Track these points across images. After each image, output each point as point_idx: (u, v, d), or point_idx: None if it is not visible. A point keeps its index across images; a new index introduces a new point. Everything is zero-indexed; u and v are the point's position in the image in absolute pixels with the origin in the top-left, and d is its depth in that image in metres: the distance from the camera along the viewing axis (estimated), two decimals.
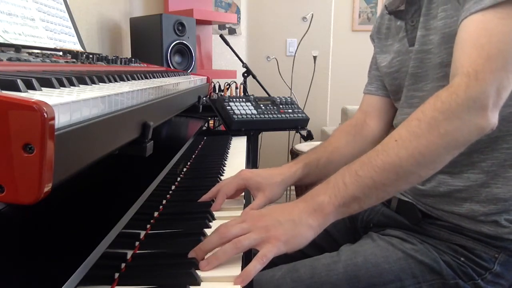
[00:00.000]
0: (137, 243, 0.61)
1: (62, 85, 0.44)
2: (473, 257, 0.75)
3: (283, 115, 1.49)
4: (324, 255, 0.81)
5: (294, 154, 2.33)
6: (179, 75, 1.17)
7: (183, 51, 1.89)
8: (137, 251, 0.59)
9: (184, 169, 1.04)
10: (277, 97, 1.56)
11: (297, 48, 2.98)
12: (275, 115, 1.47)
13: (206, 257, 0.57)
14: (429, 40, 0.79)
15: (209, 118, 1.68)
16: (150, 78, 0.83)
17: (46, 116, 0.29)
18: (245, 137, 1.46)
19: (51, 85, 0.42)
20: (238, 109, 1.41)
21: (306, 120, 1.54)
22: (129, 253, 0.58)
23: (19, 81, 0.36)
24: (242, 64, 1.99)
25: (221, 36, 1.97)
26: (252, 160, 1.32)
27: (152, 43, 1.80)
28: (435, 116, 0.61)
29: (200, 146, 1.34)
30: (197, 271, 0.54)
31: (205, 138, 1.48)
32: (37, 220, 0.51)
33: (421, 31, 0.81)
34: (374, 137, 0.96)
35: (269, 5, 3.06)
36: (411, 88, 0.84)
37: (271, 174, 0.84)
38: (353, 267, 0.77)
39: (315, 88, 3.02)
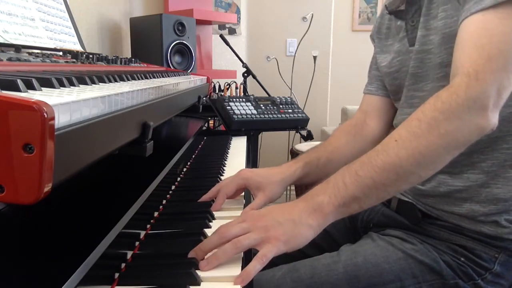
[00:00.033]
0: (137, 243, 0.61)
1: (62, 85, 0.44)
2: (473, 257, 0.75)
3: (283, 115, 1.49)
4: (324, 255, 0.81)
5: (294, 154, 2.33)
6: (179, 75, 1.17)
7: (183, 51, 1.89)
8: (137, 251, 0.59)
9: (184, 169, 1.04)
10: (277, 97, 1.56)
11: (297, 48, 2.98)
12: (275, 115, 1.47)
13: (206, 257, 0.57)
14: (429, 40, 0.79)
15: (209, 118, 1.68)
16: (150, 78, 0.83)
17: (46, 116, 0.29)
18: (245, 137, 1.46)
19: (51, 85, 0.41)
20: (238, 109, 1.41)
21: (306, 120, 1.54)
22: (129, 253, 0.58)
23: (19, 81, 0.36)
24: (242, 64, 1.99)
25: (221, 36, 1.97)
26: (252, 160, 1.32)
27: (152, 43, 1.80)
28: (435, 116, 0.61)
29: (200, 146, 1.34)
30: (197, 271, 0.54)
31: (205, 138, 1.48)
32: (37, 220, 0.51)
33: (421, 31, 0.81)
34: (374, 137, 0.96)
35: (269, 5, 3.06)
36: (411, 88, 0.84)
37: (270, 173, 0.84)
38: (353, 267, 0.77)
39: (315, 88, 3.02)
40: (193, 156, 1.19)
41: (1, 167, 0.30)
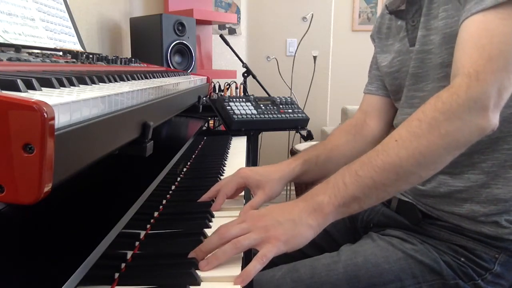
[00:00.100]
0: (137, 243, 0.61)
1: (62, 85, 0.44)
2: (473, 257, 0.75)
3: (283, 115, 1.49)
4: (324, 255, 0.81)
5: (294, 154, 2.33)
6: (179, 75, 1.17)
7: (183, 51, 1.89)
8: (137, 251, 0.59)
9: (184, 169, 1.04)
10: (277, 97, 1.56)
11: (297, 48, 2.98)
12: (275, 115, 1.47)
13: (206, 257, 0.57)
14: (429, 40, 0.79)
15: (209, 118, 1.68)
16: (150, 78, 0.83)
17: (46, 116, 0.29)
18: (245, 137, 1.46)
19: (51, 85, 0.41)
20: (238, 109, 1.41)
21: (306, 120, 1.54)
22: (129, 253, 0.57)
23: (19, 81, 0.36)
24: (242, 64, 1.99)
25: (221, 36, 1.97)
26: (252, 160, 1.32)
27: (152, 43, 1.80)
28: (435, 116, 0.61)
29: (200, 146, 1.34)
30: (197, 271, 0.54)
31: (205, 138, 1.48)
32: (37, 220, 0.51)
33: (421, 31, 0.81)
34: (374, 137, 0.96)
35: (269, 5, 3.06)
36: (412, 88, 0.84)
37: (269, 171, 0.84)
38: (353, 267, 0.77)
39: (315, 88, 3.01)
40: (193, 156, 1.19)
41: (1, 167, 0.30)
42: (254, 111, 1.44)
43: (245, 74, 1.99)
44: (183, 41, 1.85)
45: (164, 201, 0.80)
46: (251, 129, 1.44)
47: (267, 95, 1.86)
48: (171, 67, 1.80)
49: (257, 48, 3.10)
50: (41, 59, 0.67)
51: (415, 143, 0.61)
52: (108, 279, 0.50)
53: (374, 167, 0.62)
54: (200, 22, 2.16)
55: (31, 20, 0.89)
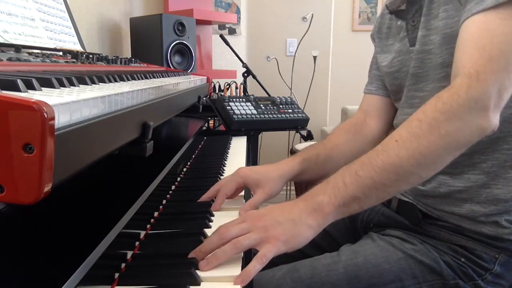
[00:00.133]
0: (137, 243, 0.61)
1: (62, 85, 0.44)
2: (473, 257, 0.75)
3: (283, 115, 1.49)
4: (324, 255, 0.81)
5: (294, 154, 2.32)
6: (179, 75, 1.17)
7: (183, 51, 1.89)
8: (137, 251, 0.59)
9: (184, 169, 1.04)
10: (277, 97, 1.56)
11: (297, 48, 2.98)
12: (275, 115, 1.47)
13: (206, 257, 0.57)
14: (430, 40, 0.79)
15: (209, 118, 1.68)
16: (150, 78, 0.83)
17: (46, 116, 0.29)
18: (245, 137, 1.46)
19: (51, 85, 0.41)
20: (238, 109, 1.41)
21: (306, 120, 1.54)
22: (129, 253, 0.57)
23: (19, 81, 0.36)
24: (242, 64, 1.99)
25: (221, 36, 1.97)
26: (252, 160, 1.32)
27: (152, 43, 1.80)
28: (436, 116, 0.61)
29: (200, 146, 1.34)
30: (197, 271, 0.54)
31: (205, 138, 1.48)
32: (37, 220, 0.51)
33: (422, 31, 0.81)
34: (374, 137, 0.96)
35: (269, 5, 3.06)
36: (412, 88, 0.84)
37: (268, 170, 0.84)
38: (353, 267, 0.77)
39: (315, 88, 3.01)
40: (193, 156, 1.19)
41: (1, 167, 0.30)
42: (254, 111, 1.44)
43: (245, 74, 1.99)
44: (183, 41, 1.85)
45: (164, 201, 0.80)
46: (251, 129, 1.44)
47: (267, 95, 1.86)
48: (171, 67, 1.80)
49: (257, 48, 3.10)
50: (41, 59, 0.67)
51: (415, 144, 0.61)
52: (108, 279, 0.50)
53: (374, 167, 0.62)
54: (200, 22, 2.16)
55: (31, 20, 0.89)
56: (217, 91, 2.09)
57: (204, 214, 0.72)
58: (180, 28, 1.84)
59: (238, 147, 1.34)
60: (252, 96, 1.52)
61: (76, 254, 0.42)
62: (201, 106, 1.21)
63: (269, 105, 1.51)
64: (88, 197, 0.60)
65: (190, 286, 0.51)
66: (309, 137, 1.75)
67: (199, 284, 0.52)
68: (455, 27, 0.72)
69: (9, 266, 0.40)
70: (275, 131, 1.82)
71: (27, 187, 0.30)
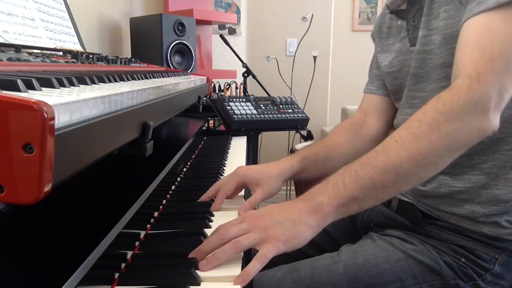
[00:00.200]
0: (137, 243, 0.61)
1: (62, 85, 0.43)
2: (473, 257, 0.75)
3: (283, 115, 1.48)
4: (324, 255, 0.81)
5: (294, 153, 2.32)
6: (179, 75, 1.17)
7: (183, 51, 1.89)
8: (137, 251, 0.59)
9: (184, 169, 1.04)
10: (277, 97, 1.56)
11: (297, 48, 2.98)
12: (275, 115, 1.47)
13: (206, 257, 0.57)
14: (430, 41, 0.79)
15: (209, 118, 1.68)
16: (150, 78, 0.83)
17: (46, 116, 0.29)
18: (245, 137, 1.46)
19: (51, 85, 0.41)
20: (238, 109, 1.41)
21: (306, 120, 1.54)
22: (129, 253, 0.57)
23: (19, 81, 0.36)
24: (242, 64, 1.99)
25: (221, 36, 1.97)
26: (252, 160, 1.32)
27: (152, 43, 1.80)
28: (436, 117, 0.61)
29: (200, 146, 1.34)
30: (197, 271, 0.54)
31: (205, 138, 1.48)
32: (37, 220, 0.51)
33: (422, 31, 0.81)
34: (374, 136, 0.96)
35: (269, 5, 3.06)
36: (412, 89, 0.84)
37: (268, 169, 0.84)
38: (354, 267, 0.77)
39: (315, 88, 3.01)
40: (193, 156, 1.19)
41: (1, 167, 0.30)
42: (254, 111, 1.44)
43: (245, 74, 1.99)
44: (183, 41, 1.85)
45: (164, 201, 0.80)
46: (251, 129, 1.44)
47: (267, 95, 1.86)
48: (171, 67, 1.80)
49: (257, 48, 3.10)
50: (41, 59, 0.67)
51: (415, 144, 0.61)
52: (108, 279, 0.50)
53: (374, 168, 0.62)
54: (200, 22, 2.16)
55: (31, 20, 0.88)
56: (217, 91, 2.09)
57: (204, 214, 0.72)
58: (180, 28, 1.84)
59: (238, 147, 1.34)
60: (252, 96, 1.52)
61: (76, 254, 0.42)
62: (201, 106, 1.21)
63: (269, 105, 1.51)
64: (88, 197, 0.60)
65: (190, 286, 0.51)
66: (309, 137, 1.75)
67: (199, 284, 0.52)
68: (456, 27, 0.72)
69: (9, 266, 0.40)
70: (275, 131, 1.81)
71: (27, 187, 0.30)
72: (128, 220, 0.54)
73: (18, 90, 0.35)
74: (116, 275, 0.52)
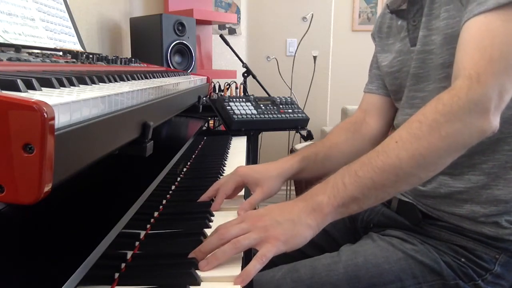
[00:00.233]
0: (137, 243, 0.61)
1: (62, 85, 0.43)
2: (473, 258, 0.75)
3: (283, 115, 1.48)
4: (324, 255, 0.81)
5: (293, 153, 2.32)
6: (179, 75, 1.17)
7: (183, 51, 1.89)
8: (137, 251, 0.59)
9: (184, 169, 1.04)
10: (277, 97, 1.56)
11: (297, 48, 2.98)
12: (275, 115, 1.47)
13: (206, 257, 0.57)
14: (431, 41, 0.79)
15: (209, 118, 1.68)
16: (150, 78, 0.83)
17: (46, 116, 0.29)
18: (245, 137, 1.46)
19: (51, 85, 0.41)
20: (238, 109, 1.41)
21: (306, 120, 1.54)
22: (129, 253, 0.57)
23: (19, 81, 0.36)
24: (242, 64, 1.99)
25: (221, 36, 1.97)
26: (252, 160, 1.32)
27: (152, 43, 1.80)
28: (436, 118, 0.61)
29: (200, 146, 1.34)
30: (197, 271, 0.54)
31: (205, 138, 1.48)
32: (37, 220, 0.51)
33: (423, 31, 0.81)
34: (373, 136, 0.96)
35: (269, 5, 3.06)
36: (413, 89, 0.84)
37: (267, 169, 0.84)
38: (354, 267, 0.77)
39: (315, 88, 3.01)
40: (193, 156, 1.19)
41: (1, 167, 0.30)
42: (254, 111, 1.44)
43: (245, 74, 1.99)
44: (183, 41, 1.85)
45: (164, 201, 0.80)
46: (251, 129, 1.44)
47: (267, 95, 1.86)
48: (171, 67, 1.80)
49: (257, 48, 3.10)
50: (41, 59, 0.67)
51: (415, 145, 0.61)
52: (108, 279, 0.50)
53: (374, 168, 0.62)
54: (200, 22, 2.16)
55: (31, 20, 0.88)
56: (217, 91, 2.09)
57: (204, 214, 0.72)
58: (180, 28, 1.84)
59: (238, 147, 1.34)
60: (252, 96, 1.52)
61: (76, 254, 0.42)
62: (201, 106, 1.21)
63: (269, 105, 1.51)
64: (88, 197, 0.60)
65: (190, 286, 0.51)
66: (309, 137, 1.75)
67: (199, 284, 0.52)
68: (456, 27, 0.72)
69: (9, 266, 0.40)
70: (275, 131, 1.82)
71: (27, 187, 0.30)
72: (128, 220, 0.54)
73: (18, 90, 0.35)
74: (116, 275, 0.52)
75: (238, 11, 2.97)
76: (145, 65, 1.24)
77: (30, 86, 0.37)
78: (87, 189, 0.62)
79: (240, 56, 2.01)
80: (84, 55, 0.85)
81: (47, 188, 0.31)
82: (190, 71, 1.81)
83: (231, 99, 1.46)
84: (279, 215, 0.62)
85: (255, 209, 0.74)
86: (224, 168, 1.07)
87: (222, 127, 1.63)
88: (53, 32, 0.97)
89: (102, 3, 1.72)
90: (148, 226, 0.68)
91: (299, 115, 1.52)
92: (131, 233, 0.59)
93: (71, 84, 0.46)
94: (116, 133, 0.47)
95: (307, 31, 2.90)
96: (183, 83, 0.95)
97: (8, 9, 0.81)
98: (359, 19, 3.47)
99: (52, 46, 0.93)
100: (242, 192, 0.86)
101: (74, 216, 0.53)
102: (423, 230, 0.81)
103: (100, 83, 0.54)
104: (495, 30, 0.63)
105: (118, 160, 0.55)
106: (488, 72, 0.61)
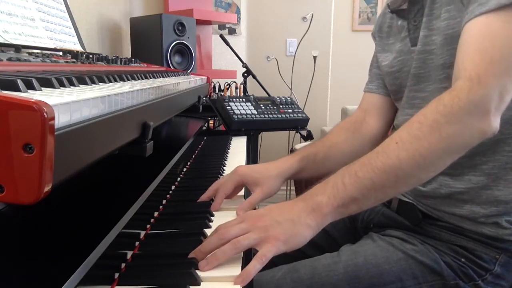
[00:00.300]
0: (137, 243, 0.61)
1: (62, 85, 0.43)
2: (473, 258, 0.75)
3: (283, 115, 1.48)
4: (324, 256, 0.81)
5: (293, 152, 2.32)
6: (179, 75, 1.17)
7: (183, 51, 1.89)
8: (137, 251, 0.59)
9: (184, 169, 1.04)
10: (277, 97, 1.56)
11: (297, 48, 2.98)
12: (275, 115, 1.47)
13: (206, 257, 0.57)
14: (431, 41, 0.79)
15: (209, 118, 1.68)
16: (150, 78, 0.83)
17: (46, 116, 0.29)
18: (245, 137, 1.46)
19: (51, 85, 0.41)
20: (238, 109, 1.41)
21: (306, 120, 1.54)
22: (129, 253, 0.57)
23: (19, 81, 0.36)
24: (242, 64, 1.99)
25: (221, 36, 1.97)
26: (252, 160, 1.32)
27: (152, 43, 1.80)
28: (437, 119, 0.61)
29: (200, 146, 1.34)
30: (197, 271, 0.54)
31: (205, 138, 1.48)
32: (37, 220, 0.51)
33: (423, 31, 0.80)
34: (373, 136, 0.96)
35: (269, 5, 3.06)
36: (413, 89, 0.84)
37: (267, 168, 0.84)
38: (354, 267, 0.77)
39: (315, 88, 3.01)
40: (193, 156, 1.19)
41: (1, 167, 0.30)
42: (254, 111, 1.44)
43: (245, 74, 1.99)
44: (183, 41, 1.85)
45: (164, 201, 0.80)
46: (251, 129, 1.44)
47: (267, 95, 1.86)
48: (171, 67, 1.80)
49: (257, 48, 3.10)
50: (41, 59, 0.67)
51: (415, 145, 0.61)
52: (108, 279, 0.50)
53: (374, 169, 0.62)
54: (200, 22, 2.16)
55: (31, 20, 0.88)
56: (217, 91, 2.09)
57: (204, 214, 0.72)
58: (180, 28, 1.84)
59: (238, 147, 1.34)
60: (252, 96, 1.52)
61: (76, 254, 0.42)
62: (201, 106, 1.21)
63: (269, 105, 1.51)
64: (88, 197, 0.60)
65: (190, 286, 0.51)
66: (309, 137, 1.75)
67: (199, 284, 0.52)
68: (457, 28, 0.72)
69: (9, 266, 0.40)
70: (275, 131, 1.82)
71: (27, 187, 0.30)
72: (128, 220, 0.54)
73: (18, 90, 0.35)
74: (116, 275, 0.52)
75: (238, 11, 2.97)
76: (145, 65, 1.24)
77: (30, 86, 0.37)
78: (87, 189, 0.62)
79: (240, 56, 2.01)
80: (84, 55, 0.85)
81: (47, 188, 0.31)
82: (190, 71, 1.81)
83: (231, 99, 1.46)
84: (279, 215, 0.62)
85: (254, 209, 0.74)
86: (224, 168, 1.07)
87: (222, 127, 1.63)
88: (53, 32, 0.97)
89: (102, 3, 1.72)
90: (148, 226, 0.68)
91: (299, 115, 1.52)
92: (131, 233, 0.59)
93: (71, 84, 0.46)
94: (116, 133, 0.47)
95: (307, 31, 2.90)
96: (183, 83, 0.95)
97: (8, 9, 0.81)
98: (359, 19, 3.47)
99: (52, 46, 0.93)
100: (242, 192, 0.86)
101: (74, 216, 0.53)
102: (423, 230, 0.81)
103: (100, 83, 0.54)
104: (496, 31, 0.63)
105: (118, 160, 0.55)
106: (489, 73, 0.61)
